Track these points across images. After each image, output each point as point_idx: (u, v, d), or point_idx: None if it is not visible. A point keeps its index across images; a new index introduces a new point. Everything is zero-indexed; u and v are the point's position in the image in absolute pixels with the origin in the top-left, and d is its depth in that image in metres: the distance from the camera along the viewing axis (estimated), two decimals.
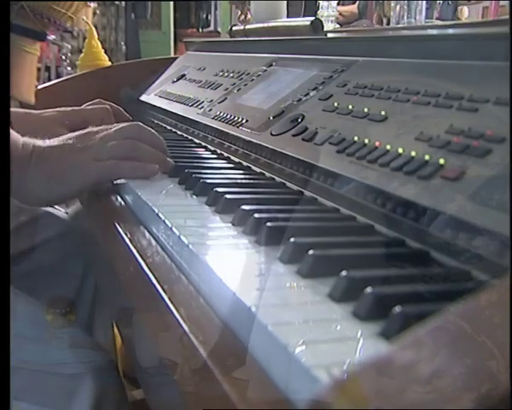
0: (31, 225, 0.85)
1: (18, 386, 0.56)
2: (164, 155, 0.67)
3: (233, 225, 0.47)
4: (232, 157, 0.75)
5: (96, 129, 0.65)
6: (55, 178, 0.60)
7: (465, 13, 2.81)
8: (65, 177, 0.60)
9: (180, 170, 0.64)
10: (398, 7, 1.19)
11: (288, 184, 0.61)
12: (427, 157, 0.45)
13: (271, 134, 0.68)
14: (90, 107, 0.89)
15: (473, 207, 0.38)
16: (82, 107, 0.88)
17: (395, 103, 0.56)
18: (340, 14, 2.38)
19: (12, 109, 0.85)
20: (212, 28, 5.06)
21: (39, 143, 0.61)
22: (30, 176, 0.59)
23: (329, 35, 0.98)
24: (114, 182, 0.65)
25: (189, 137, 0.93)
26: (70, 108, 0.86)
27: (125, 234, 0.51)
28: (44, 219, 0.87)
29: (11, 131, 0.58)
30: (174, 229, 0.46)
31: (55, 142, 0.62)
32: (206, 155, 0.80)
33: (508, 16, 1.28)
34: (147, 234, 0.50)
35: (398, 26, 1.20)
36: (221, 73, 1.04)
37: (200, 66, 1.18)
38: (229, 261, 0.41)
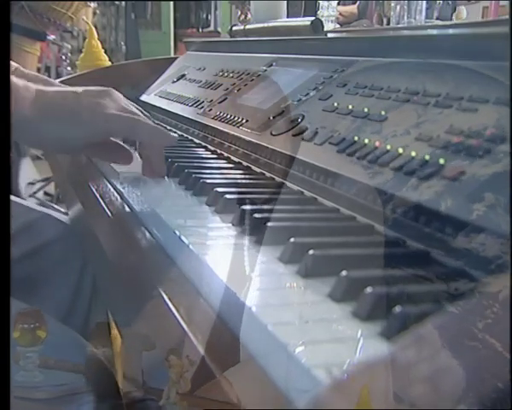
0: (28, 229, 0.83)
1: None
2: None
3: (233, 225, 0.47)
4: (232, 157, 0.75)
5: None
6: (71, 118, 0.55)
7: (463, 14, 2.75)
8: (83, 118, 0.55)
9: (180, 170, 0.64)
10: (398, 7, 1.19)
11: (288, 184, 0.61)
12: (427, 157, 0.45)
13: (271, 134, 0.68)
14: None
15: (472, 207, 0.38)
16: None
17: (395, 103, 0.56)
18: (340, 14, 2.39)
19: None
20: (212, 28, 5.05)
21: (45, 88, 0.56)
22: (39, 116, 0.53)
23: (329, 35, 0.98)
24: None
25: (189, 137, 0.93)
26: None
27: (125, 234, 0.52)
28: (42, 221, 0.85)
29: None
30: (174, 229, 0.45)
31: (63, 87, 0.58)
32: (206, 155, 0.80)
33: (508, 16, 1.28)
34: (147, 234, 0.50)
35: (398, 26, 1.20)
36: (221, 73, 1.04)
37: (200, 66, 1.18)
38: (229, 261, 0.41)
